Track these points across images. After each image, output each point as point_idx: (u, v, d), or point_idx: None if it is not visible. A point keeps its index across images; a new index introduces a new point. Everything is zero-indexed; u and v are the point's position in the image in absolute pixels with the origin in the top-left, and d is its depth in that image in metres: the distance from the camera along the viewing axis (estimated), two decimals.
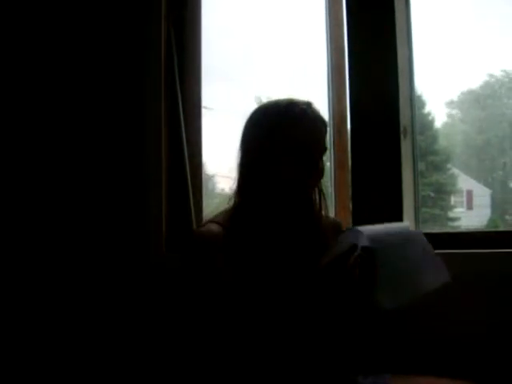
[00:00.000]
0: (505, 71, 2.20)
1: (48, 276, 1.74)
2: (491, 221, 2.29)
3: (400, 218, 1.68)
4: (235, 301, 1.18)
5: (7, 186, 1.78)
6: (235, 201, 1.32)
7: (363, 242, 1.14)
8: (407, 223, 1.31)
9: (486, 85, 2.25)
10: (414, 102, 1.82)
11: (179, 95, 1.78)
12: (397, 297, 1.15)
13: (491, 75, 2.21)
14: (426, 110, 2.22)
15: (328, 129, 1.35)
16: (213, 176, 2.22)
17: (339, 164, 1.86)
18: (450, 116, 2.38)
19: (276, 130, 1.27)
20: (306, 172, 1.27)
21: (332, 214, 1.85)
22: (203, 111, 1.85)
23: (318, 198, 1.35)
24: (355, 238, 1.15)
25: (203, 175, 1.86)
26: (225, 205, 1.35)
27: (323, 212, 1.37)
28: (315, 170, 1.28)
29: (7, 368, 1.71)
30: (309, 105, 1.31)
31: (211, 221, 1.29)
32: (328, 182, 1.88)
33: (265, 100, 1.40)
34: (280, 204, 1.30)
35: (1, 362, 1.71)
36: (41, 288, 1.74)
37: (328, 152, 1.91)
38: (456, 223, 2.39)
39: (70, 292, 1.74)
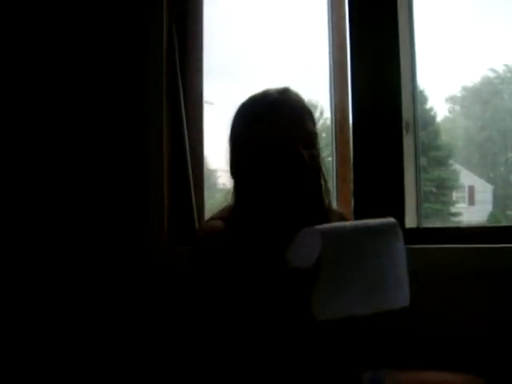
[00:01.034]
0: (507, 66, 2.19)
1: (49, 272, 1.75)
2: (492, 216, 2.29)
3: (402, 214, 1.68)
4: (241, 294, 1.16)
5: (11, 178, 1.78)
6: (233, 199, 1.29)
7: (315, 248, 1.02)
8: (393, 220, 1.13)
9: (488, 80, 2.25)
10: (416, 96, 1.82)
11: (181, 90, 1.78)
12: (334, 308, 1.03)
13: (493, 70, 2.21)
14: (428, 105, 2.22)
15: (315, 114, 1.29)
16: (214, 171, 2.22)
17: (341, 159, 1.86)
18: (451, 111, 2.37)
19: (252, 126, 1.22)
20: (290, 164, 1.18)
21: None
22: (205, 106, 1.85)
23: (320, 188, 1.29)
24: (310, 245, 1.03)
25: (205, 170, 1.86)
26: (227, 199, 1.34)
27: (326, 202, 1.31)
28: (300, 160, 1.18)
29: (7, 368, 1.71)
30: (284, 92, 1.23)
31: (213, 218, 1.27)
32: (330, 178, 1.88)
33: None
34: (277, 198, 1.23)
35: (1, 361, 1.71)
36: (42, 282, 1.75)
37: (330, 147, 1.92)
38: (458, 218, 2.39)
39: (73, 287, 1.74)
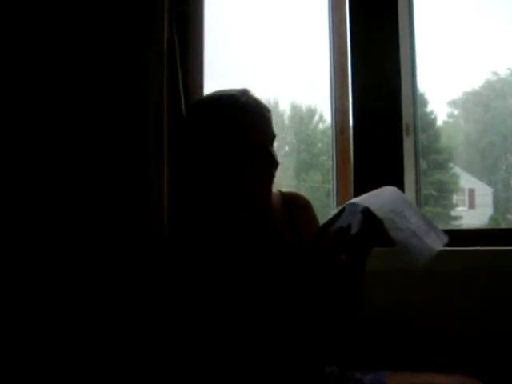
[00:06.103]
0: (510, 69, 2.19)
1: (46, 272, 1.75)
2: (492, 219, 2.30)
3: None
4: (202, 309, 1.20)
5: (11, 173, 1.78)
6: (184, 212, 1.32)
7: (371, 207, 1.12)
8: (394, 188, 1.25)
9: (490, 83, 2.25)
10: (417, 99, 1.83)
11: (181, 92, 1.78)
12: (419, 255, 1.13)
13: (495, 73, 2.21)
14: (429, 108, 2.22)
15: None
16: None
17: (341, 162, 1.86)
18: (452, 115, 2.38)
19: (220, 130, 1.17)
20: (266, 169, 1.17)
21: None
22: None
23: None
24: (353, 213, 1.12)
25: None
26: None
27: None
28: (273, 163, 1.18)
29: (7, 368, 1.71)
30: (246, 93, 1.19)
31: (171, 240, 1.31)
32: (330, 180, 1.89)
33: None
34: (235, 211, 1.24)
35: (1, 361, 1.71)
36: (38, 282, 1.75)
37: (330, 150, 1.92)
38: (458, 222, 2.39)
39: (70, 287, 1.74)
